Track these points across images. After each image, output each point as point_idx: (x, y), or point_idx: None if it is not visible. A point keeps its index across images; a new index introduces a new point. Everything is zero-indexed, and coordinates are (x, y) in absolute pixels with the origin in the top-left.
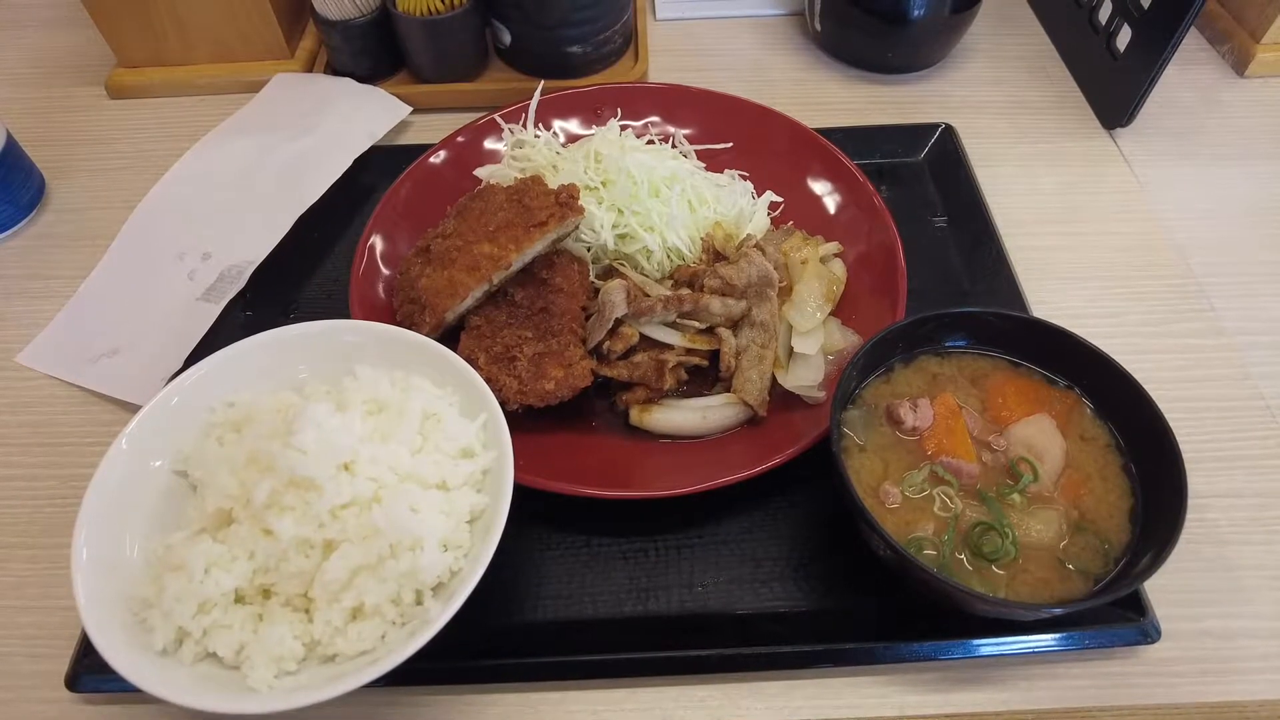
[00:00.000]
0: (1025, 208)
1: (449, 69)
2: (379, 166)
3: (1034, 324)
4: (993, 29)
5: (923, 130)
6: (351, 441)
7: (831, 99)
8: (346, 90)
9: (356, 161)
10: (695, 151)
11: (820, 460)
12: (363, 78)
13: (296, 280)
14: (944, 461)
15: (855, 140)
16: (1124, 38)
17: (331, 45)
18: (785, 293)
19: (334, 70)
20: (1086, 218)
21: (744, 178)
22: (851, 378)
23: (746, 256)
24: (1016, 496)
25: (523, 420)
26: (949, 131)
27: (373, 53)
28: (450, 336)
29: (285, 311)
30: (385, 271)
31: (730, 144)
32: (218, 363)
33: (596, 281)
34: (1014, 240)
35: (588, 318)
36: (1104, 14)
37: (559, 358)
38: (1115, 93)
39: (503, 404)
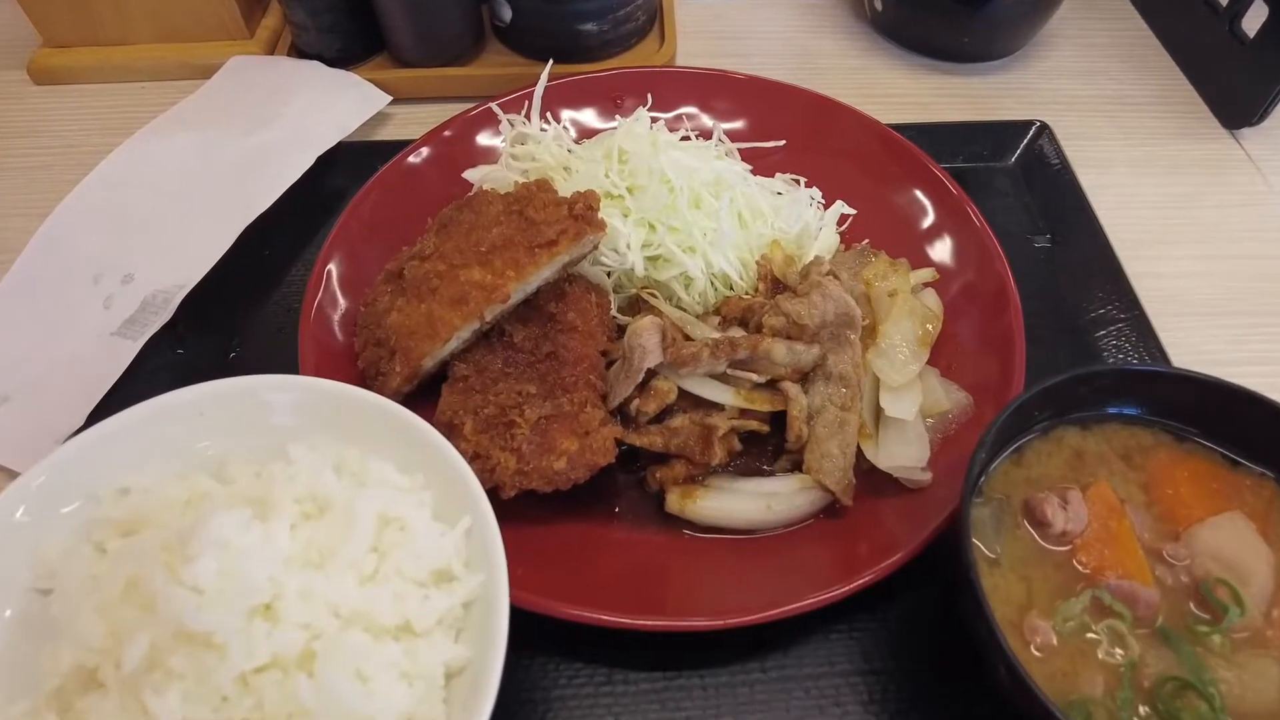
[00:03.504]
0: (1141, 224)
1: (437, 50)
2: (349, 167)
3: (1223, 388)
4: (1080, 11)
5: (1012, 129)
6: (273, 569)
7: (893, 91)
8: (313, 76)
9: (321, 161)
10: (739, 151)
11: (922, 558)
12: (333, 60)
13: (242, 308)
14: (1111, 585)
15: (929, 140)
16: (1255, 18)
17: (296, 22)
18: (868, 334)
19: (299, 53)
20: (1216, 236)
21: (800, 183)
22: (980, 460)
23: (819, 287)
24: (1217, 637)
25: (522, 509)
26: (1045, 131)
27: (345, 31)
28: (428, 390)
29: (226, 350)
30: (346, 304)
31: (783, 141)
32: (111, 431)
33: (620, 318)
34: (1133, 266)
35: (609, 366)
36: None
37: (572, 423)
38: (1240, 86)
39: (496, 489)
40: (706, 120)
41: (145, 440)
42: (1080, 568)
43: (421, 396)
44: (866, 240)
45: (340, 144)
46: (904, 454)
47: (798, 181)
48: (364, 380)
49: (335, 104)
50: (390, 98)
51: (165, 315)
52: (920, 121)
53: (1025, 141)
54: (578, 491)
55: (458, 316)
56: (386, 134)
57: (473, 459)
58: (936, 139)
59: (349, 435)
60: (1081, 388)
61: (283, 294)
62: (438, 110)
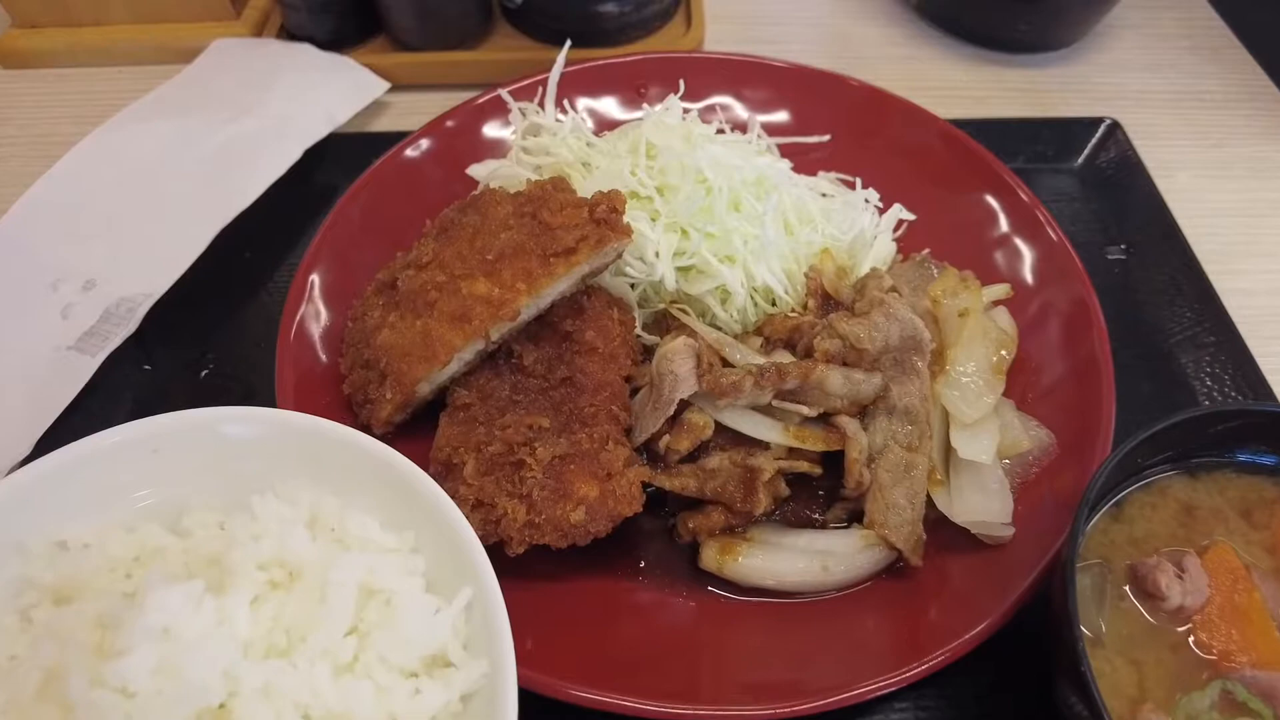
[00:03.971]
0: (1223, 234)
1: (440, 32)
2: (341, 161)
3: None
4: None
5: (1078, 127)
6: (228, 660)
7: (943, 83)
8: (303, 60)
9: (310, 154)
10: (778, 146)
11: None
12: (325, 43)
13: (217, 320)
14: (1245, 676)
15: (986, 139)
16: None
17: (286, 1)
18: (934, 361)
19: (289, 35)
20: None
21: (847, 183)
22: (1083, 517)
23: (881, 305)
24: None
25: (531, 563)
26: (1115, 130)
27: (339, 10)
28: (424, 419)
29: (197, 368)
30: (332, 318)
31: (828, 136)
32: (47, 471)
33: (646, 338)
34: (1218, 281)
35: (633, 394)
36: None
37: (591, 463)
38: None
39: (501, 543)
40: (741, 112)
41: (88, 483)
42: (1202, 652)
43: (416, 427)
44: (926, 250)
45: (331, 135)
46: (984, 506)
47: (847, 182)
48: (350, 407)
49: (327, 91)
50: (388, 85)
51: (129, 327)
52: (975, 117)
53: (1094, 141)
54: (597, 542)
55: (459, 335)
56: (383, 125)
57: (474, 508)
58: (994, 137)
59: (327, 480)
60: (1210, 429)
61: (263, 303)
62: (441, 99)
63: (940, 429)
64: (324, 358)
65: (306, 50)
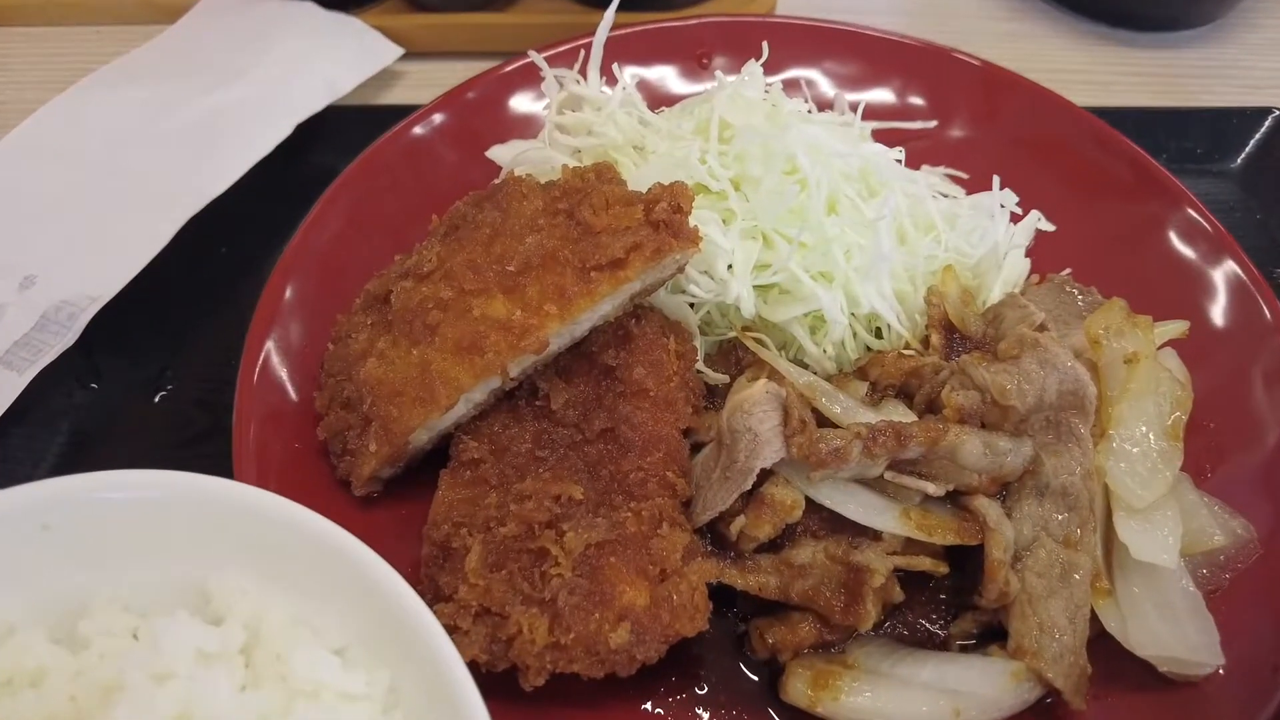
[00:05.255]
0: None
1: None
2: (342, 139)
3: None
4: None
5: (1236, 120)
6: None
7: (1057, 64)
8: (304, 20)
9: (304, 131)
10: (870, 133)
11: None
12: (332, 2)
13: (181, 329)
14: None
15: (1119, 131)
16: None
17: None
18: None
19: None
20: None
21: (956, 180)
22: None
23: (1035, 348)
24: None
25: (553, 692)
26: None
27: None
28: (423, 470)
29: (155, 386)
30: (310, 337)
31: (934, 123)
32: None
33: (711, 375)
34: None
35: (693, 451)
36: None
37: (638, 554)
38: None
39: (515, 669)
40: (826, 89)
41: None
42: None
43: (410, 484)
44: (1067, 270)
45: (330, 109)
46: (1173, 636)
47: (957, 179)
48: (326, 456)
49: (329, 57)
50: (402, 51)
51: (68, 338)
52: (1100, 105)
53: (1259, 136)
54: None
55: (467, 372)
56: (394, 98)
57: (479, 617)
58: (1127, 131)
59: (271, 576)
60: None
61: (238, 311)
62: (463, 70)
63: (1102, 513)
64: (297, 390)
65: (308, 9)
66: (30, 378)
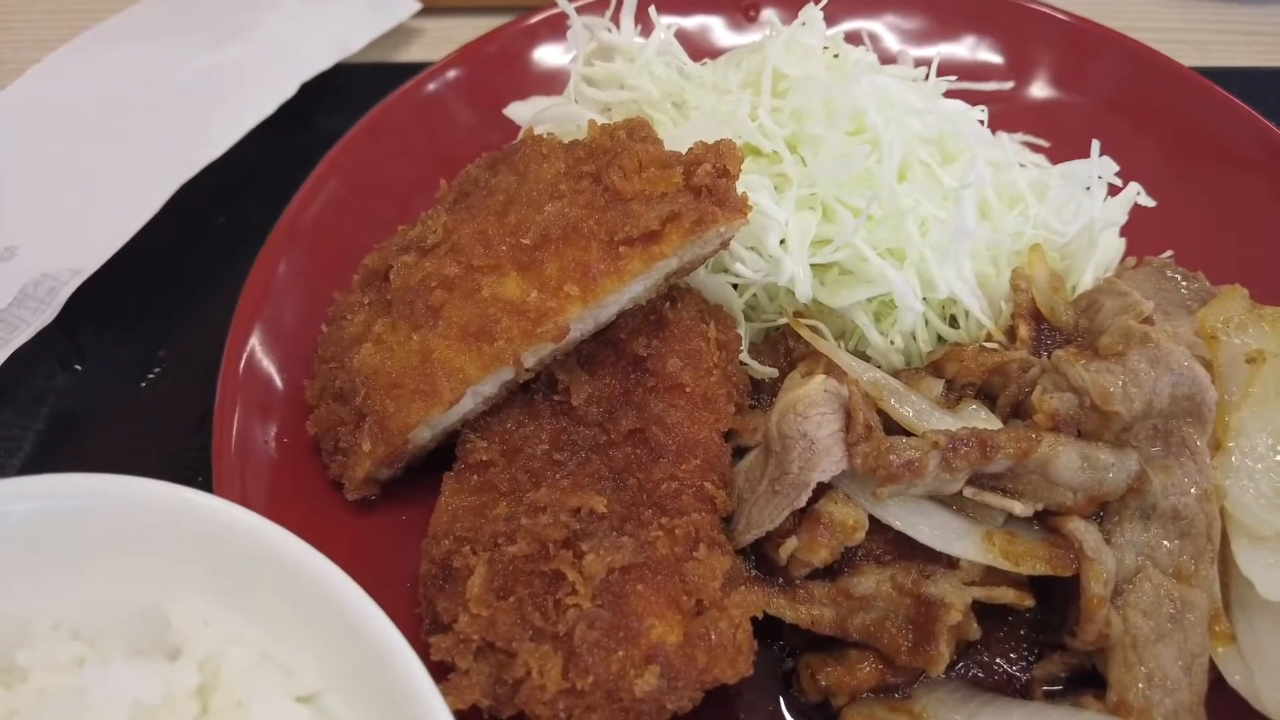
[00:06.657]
0: None
1: None
2: (352, 100)
3: None
4: None
5: None
6: None
7: (1148, 22)
8: None
9: (312, 91)
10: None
11: None
12: None
13: (171, 305)
14: None
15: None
16: None
17: None
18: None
19: None
20: None
21: (1035, 148)
22: None
23: (1145, 344)
24: None
25: None
26: None
27: None
28: (427, 470)
29: (144, 366)
30: (306, 318)
31: (1010, 83)
32: None
33: (756, 367)
34: None
35: (736, 456)
36: None
37: (669, 581)
38: None
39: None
40: (890, 44)
41: None
42: None
43: (412, 486)
44: (1169, 252)
45: (339, 68)
46: None
47: (1035, 147)
48: (317, 452)
49: (338, 12)
50: (418, 6)
51: (46, 315)
52: (1196, 66)
53: None
54: None
55: (475, 361)
56: (409, 56)
57: (480, 654)
58: (1231, 93)
59: (235, 605)
60: None
61: (237, 285)
62: (485, 26)
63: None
64: (289, 378)
65: None
66: (3, 358)
